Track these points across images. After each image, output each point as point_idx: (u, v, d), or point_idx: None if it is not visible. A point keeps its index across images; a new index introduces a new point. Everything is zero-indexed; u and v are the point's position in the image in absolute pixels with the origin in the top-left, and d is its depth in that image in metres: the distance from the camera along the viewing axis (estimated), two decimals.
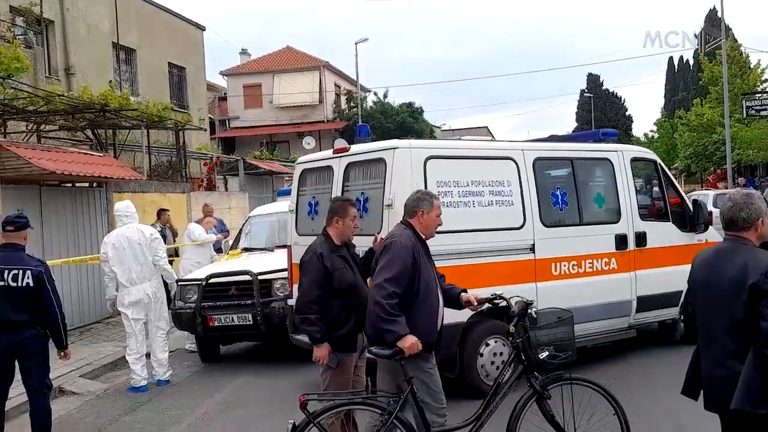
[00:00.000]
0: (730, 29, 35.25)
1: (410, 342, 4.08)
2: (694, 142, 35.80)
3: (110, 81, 19.00)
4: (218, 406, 7.10)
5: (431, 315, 4.37)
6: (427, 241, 4.58)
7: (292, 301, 7.39)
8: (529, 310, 4.43)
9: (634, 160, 8.15)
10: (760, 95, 28.51)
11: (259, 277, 8.38)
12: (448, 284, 4.70)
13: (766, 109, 26.70)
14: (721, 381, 3.27)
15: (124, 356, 8.19)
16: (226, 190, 23.28)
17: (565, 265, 7.29)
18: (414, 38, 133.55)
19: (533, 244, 7.04)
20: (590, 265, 7.47)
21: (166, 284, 8.45)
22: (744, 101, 27.87)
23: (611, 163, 7.84)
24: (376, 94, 44.70)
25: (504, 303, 4.68)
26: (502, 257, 6.84)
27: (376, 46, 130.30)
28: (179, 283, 8.80)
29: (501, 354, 6.73)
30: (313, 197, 7.38)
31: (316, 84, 42.31)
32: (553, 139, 9.29)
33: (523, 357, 4.38)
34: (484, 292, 4.88)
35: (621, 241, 7.70)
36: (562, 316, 4.54)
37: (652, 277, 7.89)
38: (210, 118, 34.24)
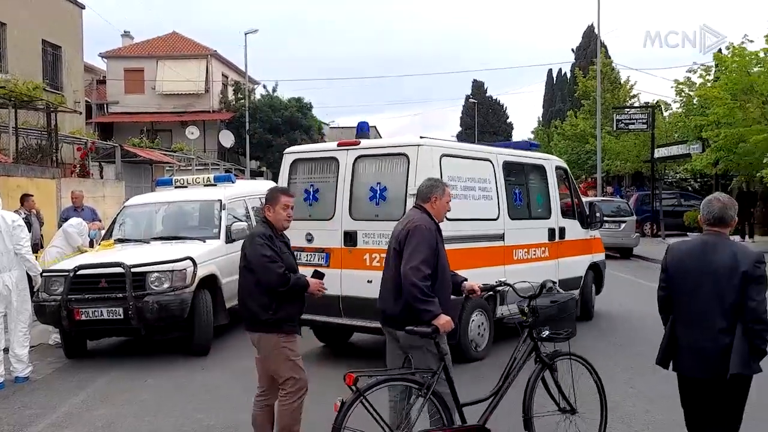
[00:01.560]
0: (605, 46, 37.34)
1: (445, 320, 4.42)
2: (568, 150, 37.64)
3: None
4: (83, 404, 6.74)
5: (446, 296, 4.67)
6: None
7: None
8: (550, 286, 4.97)
9: (556, 167, 9.85)
10: (628, 110, 30.26)
11: (133, 270, 8.04)
12: (450, 271, 4.91)
13: (633, 123, 28.37)
14: (710, 352, 3.93)
15: None
16: (101, 177, 22.22)
17: (521, 252, 8.72)
18: (307, 34, 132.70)
19: (503, 233, 8.38)
20: (534, 252, 8.97)
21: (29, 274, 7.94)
22: (614, 115, 29.55)
23: (545, 169, 9.53)
24: (264, 87, 44.17)
25: (507, 288, 5.17)
26: (484, 243, 8.09)
27: (268, 39, 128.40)
28: (44, 275, 8.29)
29: (482, 325, 8.01)
30: (312, 185, 8.08)
31: (203, 73, 41.21)
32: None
33: (534, 334, 4.77)
34: (471, 274, 5.38)
35: (551, 233, 9.33)
36: (566, 298, 5.01)
37: (567, 264, 9.57)
38: (87, 101, 32.58)
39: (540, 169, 9.45)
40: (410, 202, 6.97)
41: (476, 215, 7.95)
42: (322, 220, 7.85)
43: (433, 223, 4.67)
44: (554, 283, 5.03)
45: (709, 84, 21.55)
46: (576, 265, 9.85)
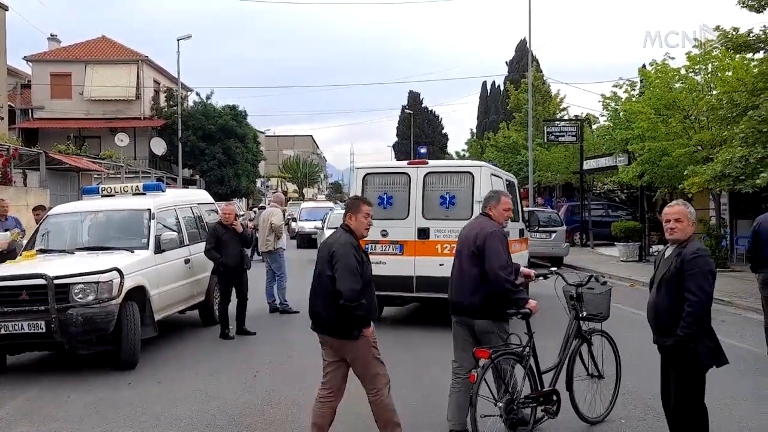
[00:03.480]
0: (536, 60, 38.27)
1: (534, 303, 5.27)
2: (501, 162, 38.35)
3: None
4: (0, 423, 6.44)
5: None
6: None
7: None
8: (599, 280, 6.01)
9: (516, 183, 12.98)
10: (558, 123, 31.03)
11: (55, 281, 7.75)
12: None
13: (563, 136, 29.08)
14: None
15: None
16: (25, 185, 21.40)
17: (513, 245, 10.74)
18: (245, 41, 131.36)
19: (509, 231, 10.31)
20: (516, 246, 11.15)
21: None
22: (545, 127, 30.24)
23: (514, 184, 12.70)
24: (198, 94, 43.39)
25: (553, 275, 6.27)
26: (513, 237, 10.27)
27: (203, 46, 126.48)
28: None
29: None
30: (385, 193, 10.41)
31: (134, 78, 40.28)
32: None
33: (581, 315, 5.79)
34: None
35: (520, 232, 12.18)
36: (603, 289, 5.94)
37: (525, 256, 12.46)
38: (10, 106, 31.39)
39: (513, 185, 12.46)
40: (476, 207, 9.40)
41: None
42: (396, 219, 10.21)
43: (502, 228, 5.55)
44: (595, 278, 6.07)
45: (634, 99, 22.31)
46: (526, 257, 12.77)
